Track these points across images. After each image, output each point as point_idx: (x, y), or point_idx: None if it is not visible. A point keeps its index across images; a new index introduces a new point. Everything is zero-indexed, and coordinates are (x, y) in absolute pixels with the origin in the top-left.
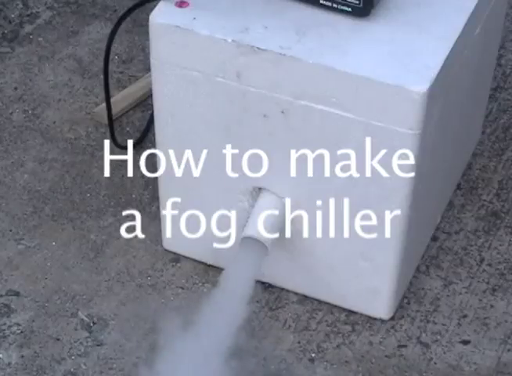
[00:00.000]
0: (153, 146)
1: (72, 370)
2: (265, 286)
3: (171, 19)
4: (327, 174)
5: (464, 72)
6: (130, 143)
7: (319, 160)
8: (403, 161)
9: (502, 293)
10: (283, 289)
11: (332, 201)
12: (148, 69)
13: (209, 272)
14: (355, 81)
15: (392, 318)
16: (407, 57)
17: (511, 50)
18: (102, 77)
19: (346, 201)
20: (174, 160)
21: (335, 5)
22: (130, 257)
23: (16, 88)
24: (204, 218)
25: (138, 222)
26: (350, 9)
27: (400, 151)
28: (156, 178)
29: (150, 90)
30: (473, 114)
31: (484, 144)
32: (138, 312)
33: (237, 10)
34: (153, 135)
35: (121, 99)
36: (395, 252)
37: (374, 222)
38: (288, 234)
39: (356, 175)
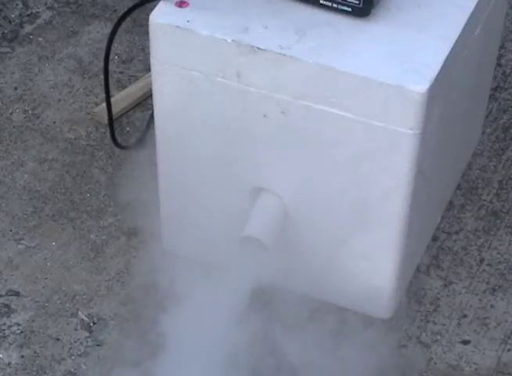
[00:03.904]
0: (153, 146)
1: (72, 370)
2: (265, 286)
3: (171, 19)
4: (327, 174)
5: (464, 72)
6: (130, 143)
7: (319, 160)
8: (403, 161)
9: (502, 293)
10: (283, 289)
11: (332, 201)
12: (148, 69)
13: (209, 272)
14: (355, 81)
15: (392, 318)
16: (407, 57)
17: (511, 50)
18: (102, 77)
19: (346, 201)
20: (175, 161)
21: (335, 5)
22: (130, 257)
23: (16, 88)
24: (204, 218)
25: (138, 222)
26: (350, 9)
27: (400, 151)
28: (156, 178)
29: (150, 90)
30: (473, 114)
31: (484, 144)
32: (138, 312)
33: (237, 10)
34: (153, 135)
35: (121, 99)
36: (395, 252)
37: (374, 221)
38: (288, 234)
39: (356, 175)
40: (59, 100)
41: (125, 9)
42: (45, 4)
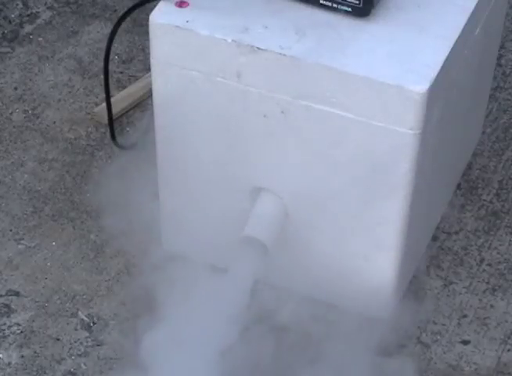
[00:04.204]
0: (153, 146)
1: (72, 370)
2: (265, 286)
3: (171, 19)
4: (327, 174)
5: (464, 72)
6: (130, 143)
7: (319, 160)
8: (403, 161)
9: (502, 293)
10: (283, 289)
11: (332, 201)
12: (148, 69)
13: (209, 272)
14: (355, 81)
15: (392, 318)
16: (407, 57)
17: (511, 50)
18: (102, 77)
19: (346, 201)
20: (175, 161)
21: (335, 5)
22: (130, 257)
23: (16, 88)
24: (204, 218)
25: (137, 222)
26: (350, 9)
27: (400, 151)
28: (156, 178)
29: (150, 90)
30: (473, 114)
31: (484, 144)
32: (138, 312)
33: (237, 10)
34: (153, 135)
35: (121, 99)
36: (395, 252)
37: (374, 221)
38: (288, 234)
39: (356, 175)
40: (59, 100)
41: (125, 9)
42: (45, 4)
